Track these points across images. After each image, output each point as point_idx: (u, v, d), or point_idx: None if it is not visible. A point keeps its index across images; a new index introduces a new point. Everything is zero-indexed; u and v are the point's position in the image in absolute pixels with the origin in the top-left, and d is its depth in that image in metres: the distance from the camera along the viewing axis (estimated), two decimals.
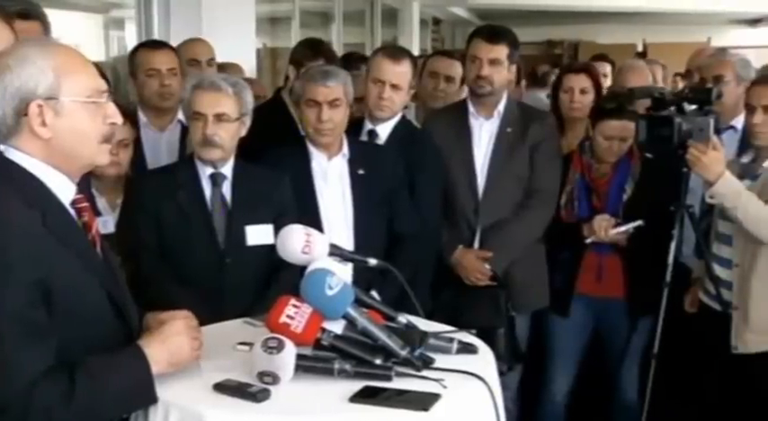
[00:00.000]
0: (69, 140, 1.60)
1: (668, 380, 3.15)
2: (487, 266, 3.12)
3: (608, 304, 3.26)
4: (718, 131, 3.19)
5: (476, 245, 3.17)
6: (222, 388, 1.65)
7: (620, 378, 3.32)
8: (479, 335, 2.89)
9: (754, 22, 13.36)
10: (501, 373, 3.06)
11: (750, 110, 2.97)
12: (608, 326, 3.33)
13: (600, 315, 3.33)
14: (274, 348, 1.66)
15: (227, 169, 2.63)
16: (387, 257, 2.71)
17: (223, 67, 3.77)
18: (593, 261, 3.24)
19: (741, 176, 2.95)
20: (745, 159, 3.09)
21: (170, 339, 1.67)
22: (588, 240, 3.16)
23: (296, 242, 1.90)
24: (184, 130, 3.12)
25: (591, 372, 3.43)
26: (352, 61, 3.92)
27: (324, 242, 1.94)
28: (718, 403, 3.12)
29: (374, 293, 2.69)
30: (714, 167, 2.84)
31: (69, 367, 1.52)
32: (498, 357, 3.03)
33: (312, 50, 3.59)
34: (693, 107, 2.98)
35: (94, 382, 1.53)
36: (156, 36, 4.47)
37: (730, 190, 2.84)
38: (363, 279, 2.66)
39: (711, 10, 11.42)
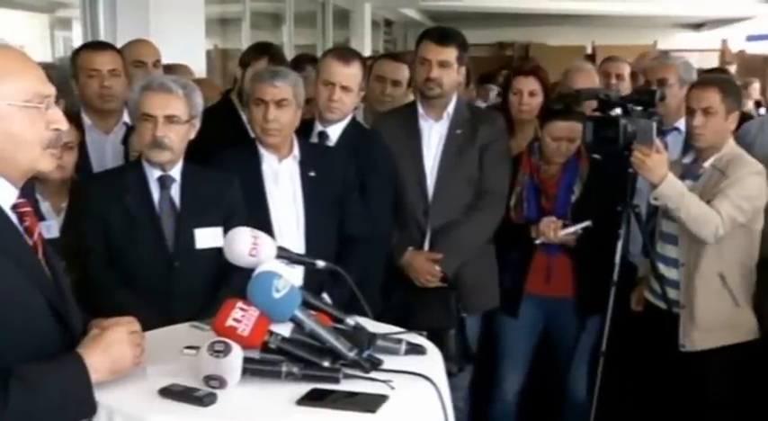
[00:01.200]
0: (5, 145, 1.56)
1: (617, 378, 3.20)
2: (438, 268, 3.13)
3: (557, 304, 3.30)
4: (662, 133, 3.26)
5: (426, 246, 3.18)
6: (168, 392, 1.63)
7: (570, 376, 3.36)
8: (430, 337, 2.92)
9: (698, 26, 13.66)
10: (451, 374, 3.11)
11: (690, 112, 3.04)
12: (557, 325, 3.37)
13: (549, 315, 3.37)
14: (221, 352, 1.65)
15: (176, 172, 2.60)
16: (337, 259, 2.72)
17: (170, 69, 3.72)
18: (543, 261, 3.27)
19: (683, 177, 3.02)
20: (687, 160, 3.17)
21: (112, 347, 1.63)
22: (538, 241, 3.19)
23: (243, 245, 1.89)
24: (128, 132, 3.08)
25: (541, 371, 3.46)
26: (302, 63, 3.91)
27: (271, 244, 1.93)
28: (665, 400, 3.19)
29: (325, 295, 2.69)
30: (657, 170, 2.89)
31: (3, 375, 1.48)
32: (449, 358, 3.09)
33: (260, 52, 3.57)
34: (638, 109, 3.02)
35: (29, 391, 1.49)
36: (103, 37, 4.40)
37: (673, 191, 2.90)
38: (314, 281, 2.67)
39: (658, 14, 11.65)
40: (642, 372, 3.28)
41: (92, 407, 1.58)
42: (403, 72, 3.78)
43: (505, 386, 3.43)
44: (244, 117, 3.25)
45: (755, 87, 7.39)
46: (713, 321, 3.01)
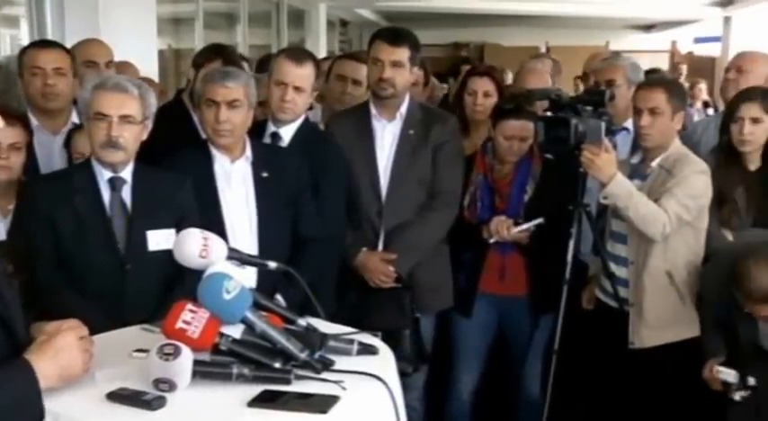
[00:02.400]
0: None
1: (569, 375, 3.25)
2: (392, 268, 3.14)
3: (511, 302, 3.33)
4: (612, 133, 3.31)
5: (380, 247, 3.19)
6: (116, 397, 1.61)
7: (524, 374, 3.39)
8: (385, 337, 2.93)
9: (649, 27, 13.91)
10: (407, 374, 3.14)
11: (637, 112, 3.09)
12: (511, 324, 3.40)
13: (503, 313, 3.40)
14: (170, 354, 1.63)
15: (127, 173, 2.57)
16: (291, 260, 2.72)
17: (116, 66, 3.67)
18: (496, 260, 3.30)
19: (631, 176, 3.08)
20: (635, 160, 3.22)
21: (61, 353, 1.61)
22: (491, 240, 3.22)
23: (192, 246, 1.87)
24: (70, 134, 3.02)
25: (496, 370, 3.50)
26: (267, 64, 3.88)
27: (222, 246, 1.92)
28: (617, 397, 3.24)
29: (278, 297, 2.67)
30: (606, 169, 2.94)
31: None
32: (404, 358, 3.11)
33: (213, 53, 3.54)
34: (588, 109, 3.06)
35: None
36: (50, 35, 4.32)
37: (622, 190, 2.94)
38: (267, 282, 2.67)
39: (610, 15, 11.83)
40: (594, 370, 3.32)
41: (40, 414, 1.55)
42: (363, 71, 3.76)
43: (460, 385, 3.45)
44: (195, 118, 3.23)
45: (701, 88, 7.56)
46: (661, 318, 3.06)
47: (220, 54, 3.55)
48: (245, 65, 4.74)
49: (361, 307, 3.14)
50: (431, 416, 3.46)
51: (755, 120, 3.16)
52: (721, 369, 2.86)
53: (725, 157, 3.18)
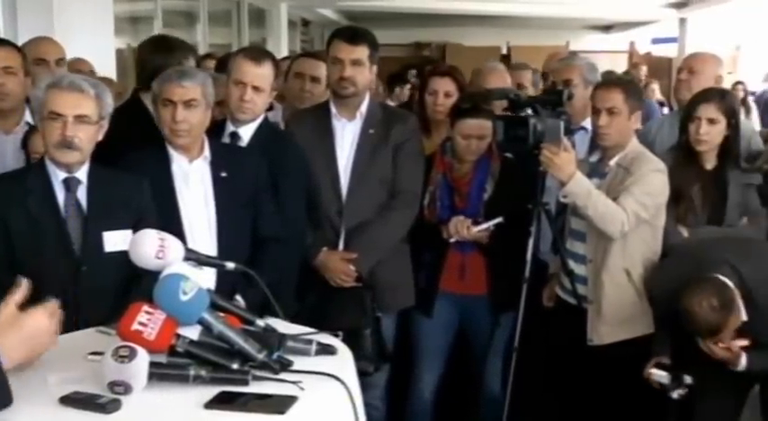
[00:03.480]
0: None
1: (530, 372, 3.27)
2: (352, 267, 3.13)
3: (472, 301, 3.35)
4: (570, 132, 3.34)
5: (340, 246, 3.18)
6: (69, 401, 1.59)
7: (485, 373, 3.40)
8: (346, 337, 2.93)
9: (608, 28, 14.09)
10: (368, 373, 3.14)
11: (595, 112, 3.13)
12: (472, 322, 3.42)
13: (464, 312, 3.41)
14: (126, 357, 1.61)
15: (82, 174, 2.52)
16: (251, 261, 2.70)
17: (69, 64, 3.62)
18: (456, 259, 3.31)
19: (590, 175, 3.11)
20: (594, 159, 3.26)
21: (23, 324, 1.61)
22: (452, 239, 3.23)
23: (148, 247, 1.86)
24: (27, 134, 2.97)
25: (457, 369, 3.51)
26: (226, 64, 3.85)
27: (179, 247, 1.91)
28: (576, 394, 3.27)
29: (238, 297, 2.66)
30: (565, 168, 2.96)
31: None
32: (365, 358, 3.12)
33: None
34: (547, 108, 3.09)
35: None
36: (2, 34, 4.24)
37: (581, 189, 2.97)
38: (227, 283, 2.64)
39: (569, 16, 11.96)
40: (554, 367, 3.35)
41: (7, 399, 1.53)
42: (322, 70, 3.76)
43: (422, 384, 3.45)
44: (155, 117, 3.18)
45: (654, 88, 7.69)
46: (619, 315, 3.10)
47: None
48: (212, 63, 4.72)
49: (322, 306, 3.13)
50: (392, 416, 3.46)
51: (711, 121, 3.21)
52: (653, 371, 2.92)
53: (682, 156, 3.23)
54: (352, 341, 2.93)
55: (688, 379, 2.83)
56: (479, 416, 3.47)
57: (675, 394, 2.84)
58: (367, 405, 3.20)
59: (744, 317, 2.70)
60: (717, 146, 3.25)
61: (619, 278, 3.08)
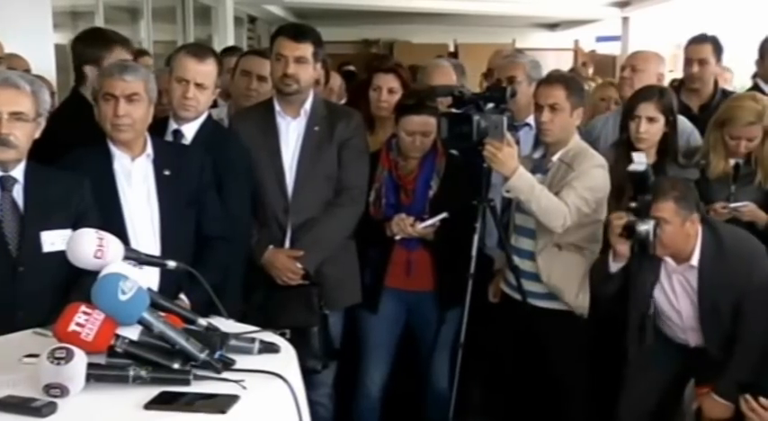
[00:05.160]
0: None
1: (476, 368, 3.30)
2: (299, 265, 3.13)
3: (418, 297, 3.36)
4: (514, 129, 3.38)
5: (287, 244, 3.17)
6: (2, 405, 1.54)
7: (432, 368, 3.42)
8: (293, 334, 2.93)
9: (553, 26, 14.27)
10: (316, 371, 3.14)
11: (538, 108, 3.17)
12: (419, 319, 3.43)
13: (411, 308, 3.42)
14: (62, 359, 1.58)
15: (18, 172, 2.46)
16: (196, 260, 2.68)
17: (4, 61, 3.53)
18: (402, 256, 3.32)
19: (533, 171, 3.15)
20: (537, 155, 3.30)
21: None
22: (397, 237, 3.24)
23: (87, 246, 1.82)
24: None
25: (405, 365, 3.52)
26: None
27: (118, 246, 1.87)
28: (522, 387, 3.32)
29: (183, 296, 2.63)
30: (508, 163, 3.00)
31: None
32: (313, 355, 3.12)
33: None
34: (491, 105, 3.12)
35: None
36: None
37: (524, 184, 3.01)
38: (171, 282, 2.61)
39: (516, 13, 12.07)
40: (500, 362, 3.39)
41: None
42: (268, 67, 3.73)
43: (369, 381, 3.46)
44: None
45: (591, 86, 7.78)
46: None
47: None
48: (150, 60, 4.65)
49: (269, 305, 3.12)
50: (340, 413, 3.46)
51: (651, 120, 3.30)
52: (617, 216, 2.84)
53: (623, 153, 3.29)
54: (299, 339, 2.95)
55: (643, 227, 2.76)
56: (426, 413, 3.49)
57: (642, 227, 2.75)
58: (315, 403, 3.24)
59: None
60: (656, 143, 3.33)
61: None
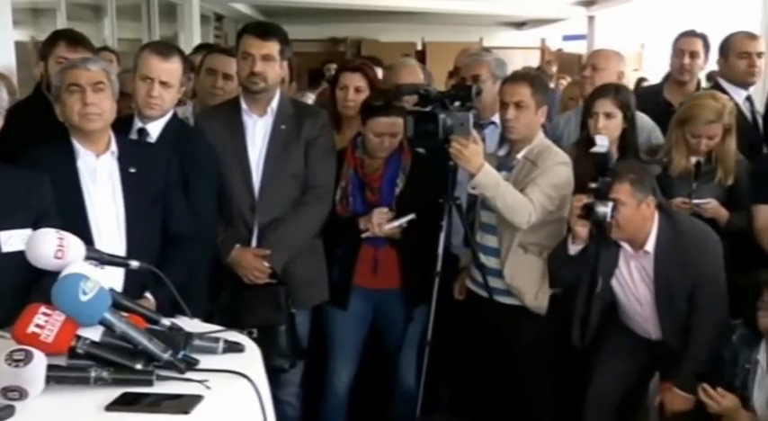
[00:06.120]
0: None
1: (443, 365, 3.31)
2: (266, 264, 3.11)
3: (385, 295, 3.36)
4: (479, 126, 3.40)
5: (253, 243, 3.16)
6: None
7: (399, 366, 3.42)
8: (260, 334, 2.91)
9: (520, 25, 14.35)
10: (283, 370, 3.13)
11: (503, 106, 3.19)
12: (386, 317, 3.43)
13: (378, 307, 3.42)
14: (21, 361, 1.56)
15: None
16: (162, 258, 2.66)
17: None
18: (369, 254, 3.32)
19: (498, 168, 3.17)
20: (502, 152, 3.32)
21: None
22: (364, 235, 3.24)
23: (46, 247, 1.80)
24: None
25: (372, 364, 3.52)
26: None
27: (79, 246, 1.86)
28: (488, 384, 3.34)
29: (148, 296, 2.60)
30: (474, 160, 3.01)
31: None
32: (280, 354, 3.11)
33: (55, 38, 3.41)
34: (456, 104, 3.13)
35: None
36: None
37: (489, 181, 3.02)
38: (136, 282, 2.58)
39: (483, 12, 12.11)
40: (467, 359, 3.40)
41: None
42: (234, 66, 3.71)
43: (337, 379, 3.45)
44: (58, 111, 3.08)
45: (564, 84, 7.85)
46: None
47: (62, 37, 3.41)
48: (112, 56, 4.60)
49: (235, 304, 3.11)
50: (308, 412, 3.45)
51: (608, 115, 3.36)
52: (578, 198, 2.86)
53: (584, 150, 3.33)
54: (266, 338, 2.96)
55: (602, 208, 2.79)
56: (394, 410, 3.49)
57: (601, 209, 2.79)
58: (282, 402, 3.25)
59: None
60: (616, 139, 3.37)
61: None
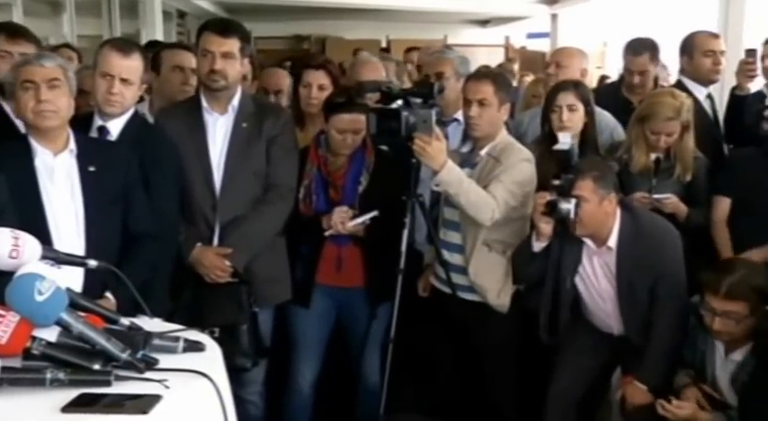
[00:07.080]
0: None
1: (407, 362, 3.32)
2: (228, 263, 3.09)
3: (349, 293, 3.36)
4: (443, 123, 3.41)
5: (215, 241, 3.13)
6: None
7: (363, 364, 3.42)
8: (222, 333, 2.89)
9: (485, 22, 14.43)
10: (246, 369, 3.11)
11: (466, 103, 3.21)
12: (349, 315, 3.42)
13: (341, 304, 3.42)
14: None
15: None
16: (123, 257, 2.63)
17: None
18: (332, 252, 3.31)
19: (462, 165, 3.18)
20: (465, 149, 3.33)
21: None
22: (327, 233, 3.23)
23: (1, 246, 1.77)
24: None
25: (336, 362, 3.51)
26: None
27: (35, 245, 1.82)
28: (453, 381, 3.35)
29: (109, 295, 2.57)
30: (437, 157, 3.01)
31: None
32: (243, 353, 3.09)
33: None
34: (419, 101, 3.13)
35: None
36: None
37: (453, 178, 3.03)
38: (96, 281, 2.55)
39: (447, 9, 12.15)
40: (431, 355, 3.41)
41: None
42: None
43: (301, 378, 3.43)
44: (8, 110, 3.03)
45: (527, 81, 7.91)
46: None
47: (2, 30, 3.35)
48: (72, 53, 4.53)
49: (197, 303, 3.08)
50: (271, 411, 3.44)
51: (571, 108, 3.40)
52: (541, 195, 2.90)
53: (545, 147, 3.36)
54: (228, 337, 2.94)
55: (565, 205, 2.83)
56: (358, 409, 3.49)
57: (564, 206, 2.83)
58: (245, 401, 3.23)
59: None
60: (579, 133, 3.41)
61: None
